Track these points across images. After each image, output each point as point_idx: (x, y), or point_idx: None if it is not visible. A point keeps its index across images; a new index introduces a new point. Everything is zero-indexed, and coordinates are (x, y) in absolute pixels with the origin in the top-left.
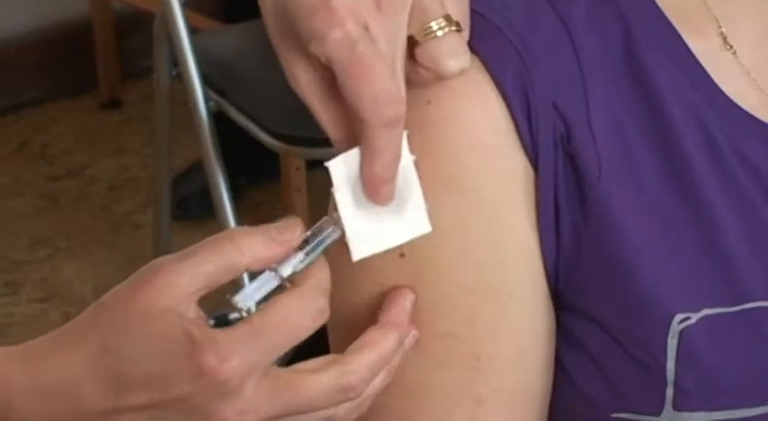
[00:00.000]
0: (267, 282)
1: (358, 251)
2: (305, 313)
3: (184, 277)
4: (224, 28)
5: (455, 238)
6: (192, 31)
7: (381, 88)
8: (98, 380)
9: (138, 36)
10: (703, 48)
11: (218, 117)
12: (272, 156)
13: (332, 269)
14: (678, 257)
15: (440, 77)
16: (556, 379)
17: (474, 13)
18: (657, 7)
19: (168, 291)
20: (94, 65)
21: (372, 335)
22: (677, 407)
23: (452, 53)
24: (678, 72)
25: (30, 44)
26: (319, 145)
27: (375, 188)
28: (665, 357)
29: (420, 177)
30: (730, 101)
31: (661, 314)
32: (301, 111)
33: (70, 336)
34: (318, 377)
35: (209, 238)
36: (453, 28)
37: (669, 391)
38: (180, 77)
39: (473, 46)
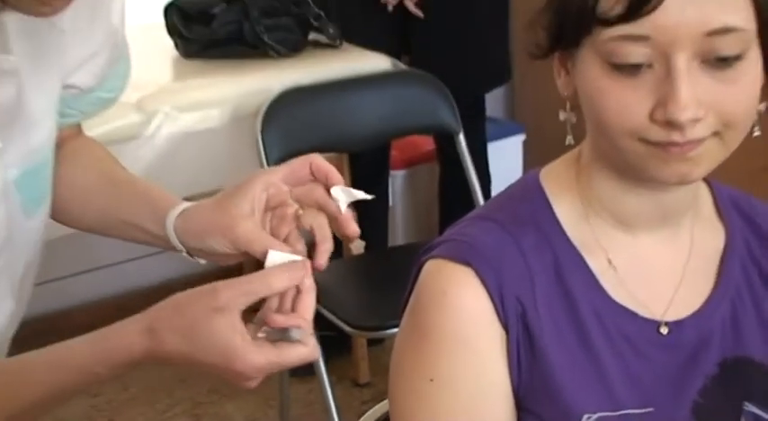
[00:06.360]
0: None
1: None
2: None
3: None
4: None
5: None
6: None
7: None
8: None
9: None
10: (597, 266)
11: None
12: (345, 335)
13: None
14: (583, 378)
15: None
16: None
17: (467, 245)
18: (571, 243)
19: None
20: None
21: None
22: None
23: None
24: (583, 280)
25: None
26: (378, 329)
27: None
28: None
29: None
30: (611, 298)
31: (576, 411)
32: (368, 307)
33: None
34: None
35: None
36: None
37: None
38: None
39: (473, 264)
